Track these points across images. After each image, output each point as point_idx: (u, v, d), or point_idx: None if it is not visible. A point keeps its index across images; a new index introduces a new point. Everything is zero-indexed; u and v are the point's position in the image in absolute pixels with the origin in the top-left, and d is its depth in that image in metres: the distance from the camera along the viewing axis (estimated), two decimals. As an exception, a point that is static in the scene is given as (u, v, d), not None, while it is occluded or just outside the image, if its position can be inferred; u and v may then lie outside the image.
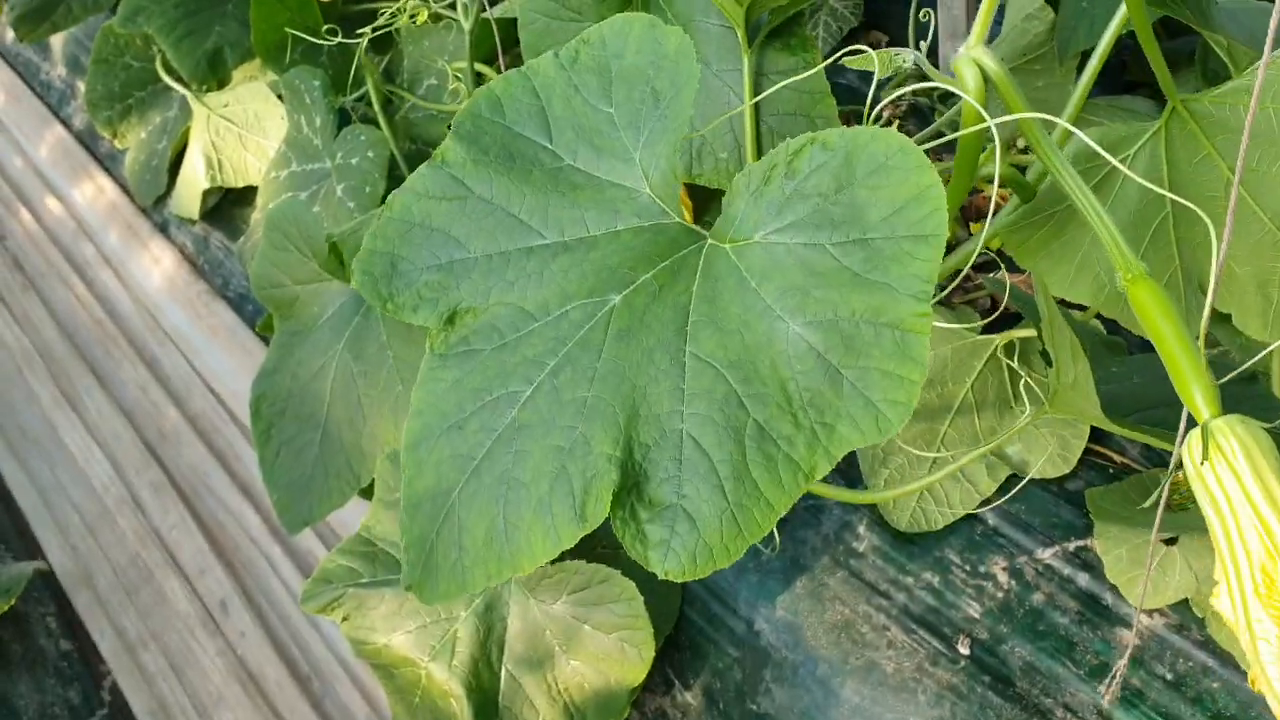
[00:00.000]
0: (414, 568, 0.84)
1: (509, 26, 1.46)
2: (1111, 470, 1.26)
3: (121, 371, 2.34)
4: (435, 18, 1.79)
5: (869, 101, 0.84)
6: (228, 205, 2.21)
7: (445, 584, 0.82)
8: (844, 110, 1.77)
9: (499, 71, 1.72)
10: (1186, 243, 0.90)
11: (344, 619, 1.34)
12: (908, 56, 0.80)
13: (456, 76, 1.75)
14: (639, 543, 0.75)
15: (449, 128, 0.92)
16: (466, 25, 1.49)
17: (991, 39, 1.71)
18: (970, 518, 1.26)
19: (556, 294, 0.83)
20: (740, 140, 1.14)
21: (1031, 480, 1.22)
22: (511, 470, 0.80)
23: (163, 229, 2.37)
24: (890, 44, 1.89)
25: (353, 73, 1.84)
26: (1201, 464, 0.68)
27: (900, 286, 0.70)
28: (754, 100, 1.05)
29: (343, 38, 1.77)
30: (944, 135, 0.96)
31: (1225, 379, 1.12)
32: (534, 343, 0.82)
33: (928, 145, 0.75)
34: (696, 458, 0.74)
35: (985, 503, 1.25)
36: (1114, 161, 0.75)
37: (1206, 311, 0.73)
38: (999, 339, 1.27)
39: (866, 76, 1.88)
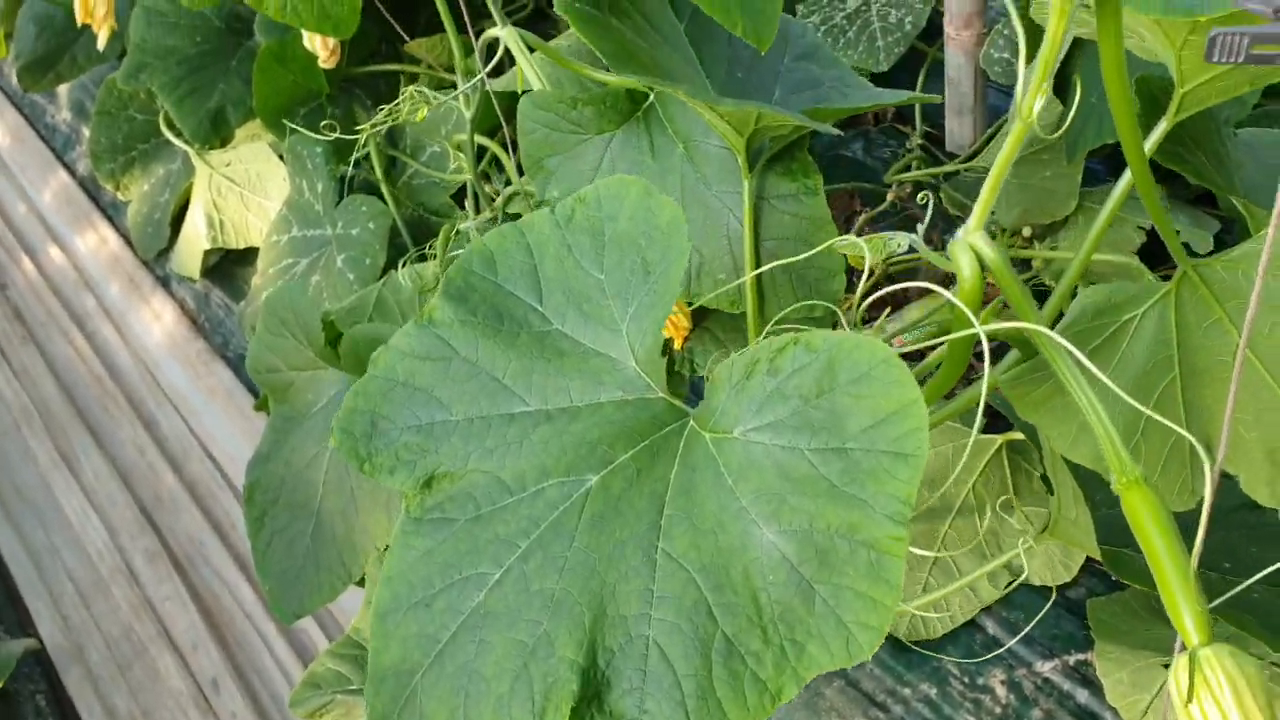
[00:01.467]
0: (375, 747, 0.82)
1: (511, 99, 1.44)
2: (1114, 578, 1.24)
3: (120, 431, 2.32)
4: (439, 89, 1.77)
5: (860, 292, 0.80)
6: (229, 263, 2.19)
7: None
8: (847, 189, 1.75)
9: (501, 144, 1.70)
10: (1194, 406, 0.88)
11: (331, 726, 1.33)
12: (902, 241, 0.77)
13: (458, 151, 1.73)
14: None
15: (453, 241, 0.90)
16: (468, 114, 1.47)
17: (1001, 118, 1.68)
18: (970, 625, 1.24)
19: (535, 468, 0.80)
20: (739, 262, 1.12)
21: (1032, 587, 1.21)
22: (474, 661, 0.76)
23: (164, 283, 2.35)
24: (895, 119, 1.86)
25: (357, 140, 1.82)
26: (1188, 702, 0.65)
27: (876, 505, 0.68)
28: (754, 241, 1.02)
29: (348, 102, 1.76)
30: (934, 337, 0.93)
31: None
32: (508, 519, 0.79)
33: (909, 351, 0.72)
34: (661, 670, 0.71)
35: (986, 610, 1.24)
36: (1096, 371, 0.72)
37: (1209, 489, 0.70)
38: (1001, 439, 1.25)
39: (873, 151, 1.86)
